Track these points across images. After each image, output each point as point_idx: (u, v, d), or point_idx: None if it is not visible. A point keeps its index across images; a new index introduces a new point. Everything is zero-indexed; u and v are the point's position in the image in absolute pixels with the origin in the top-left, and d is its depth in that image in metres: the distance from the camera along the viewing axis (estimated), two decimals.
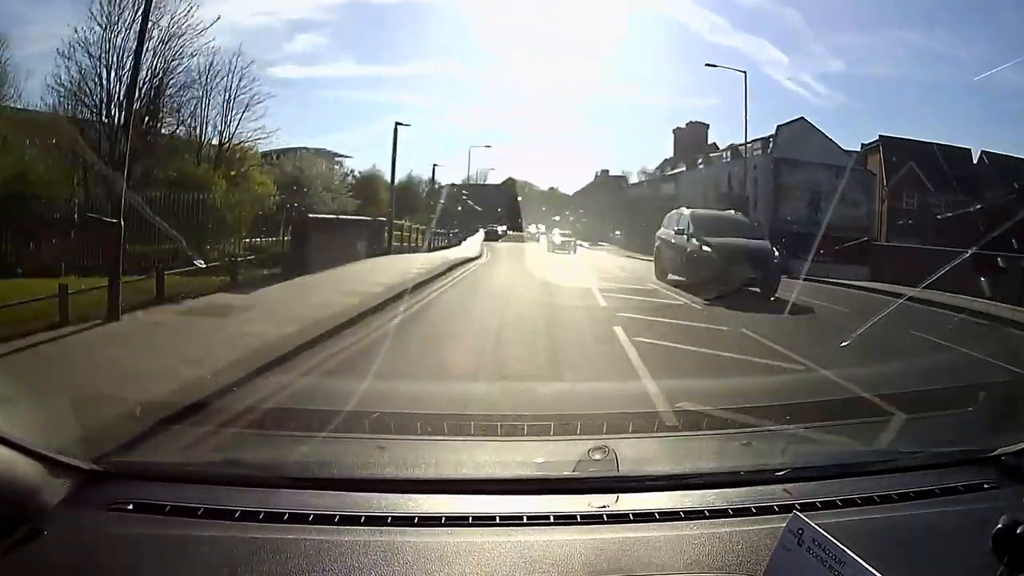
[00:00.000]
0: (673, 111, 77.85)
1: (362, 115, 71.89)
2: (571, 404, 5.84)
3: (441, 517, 2.20)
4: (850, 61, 59.14)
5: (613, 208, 60.63)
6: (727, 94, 77.99)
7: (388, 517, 2.18)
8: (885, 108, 51.81)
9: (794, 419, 4.58)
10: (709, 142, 52.03)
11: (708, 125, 53.83)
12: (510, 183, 77.09)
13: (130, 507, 2.19)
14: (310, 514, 2.16)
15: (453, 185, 63.65)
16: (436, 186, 57.06)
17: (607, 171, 71.20)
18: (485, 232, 60.52)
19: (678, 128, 54.90)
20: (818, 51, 60.41)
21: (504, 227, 69.07)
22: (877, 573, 1.53)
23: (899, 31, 57.75)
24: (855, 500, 2.34)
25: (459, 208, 60.18)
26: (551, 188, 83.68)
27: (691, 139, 52.89)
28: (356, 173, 51.53)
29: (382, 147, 58.49)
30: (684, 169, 50.16)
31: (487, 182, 78.11)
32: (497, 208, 73.04)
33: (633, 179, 67.22)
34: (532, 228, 65.10)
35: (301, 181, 35.87)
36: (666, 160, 55.82)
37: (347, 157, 51.06)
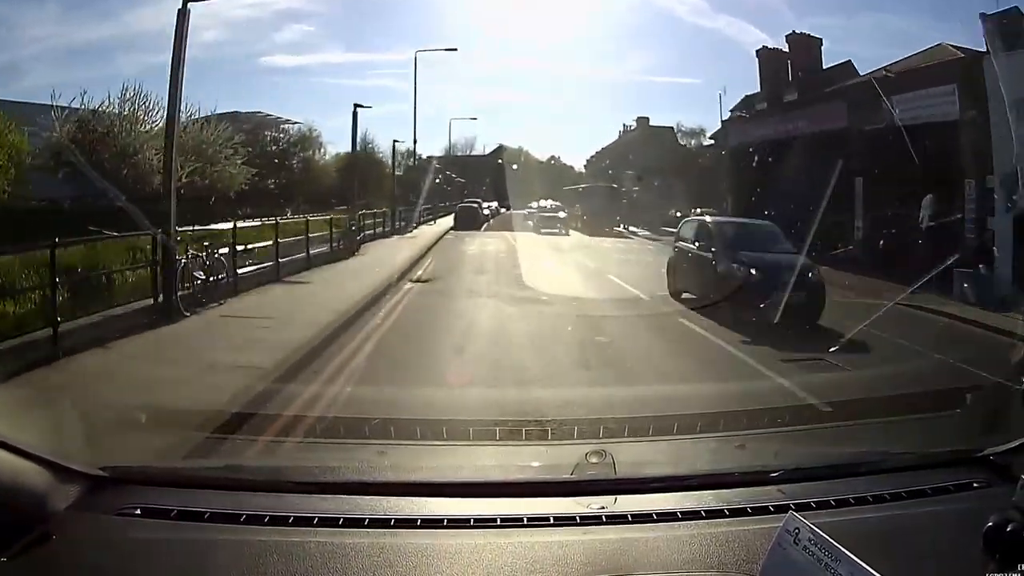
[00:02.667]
0: (665, 87, 78.24)
1: (352, 100, 71.97)
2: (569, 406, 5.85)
3: (443, 519, 2.24)
4: (832, 41, 59.79)
5: (669, 168, 40.45)
6: (708, 72, 74.18)
7: (391, 520, 2.22)
8: None
9: None
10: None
11: (821, 39, 32.56)
12: (501, 151, 66.23)
13: (137, 512, 2.22)
14: (314, 517, 2.19)
15: (430, 158, 52.78)
16: (412, 160, 45.35)
17: (646, 119, 53.62)
18: (458, 213, 41.31)
19: (764, 49, 34.30)
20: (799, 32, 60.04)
21: (494, 204, 53.17)
22: (873, 572, 1.57)
23: (878, 13, 57.71)
24: (848, 500, 2.38)
25: (437, 181, 47.80)
26: (552, 157, 73.44)
27: (789, 62, 32.36)
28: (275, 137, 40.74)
29: (371, 131, 53.44)
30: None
31: (474, 153, 66.29)
32: (486, 180, 60.43)
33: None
34: (535, 205, 44.28)
35: (112, 141, 23.54)
36: (750, 96, 35.90)
37: (293, 123, 42.96)
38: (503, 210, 54.18)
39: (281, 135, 41.38)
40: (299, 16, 65.92)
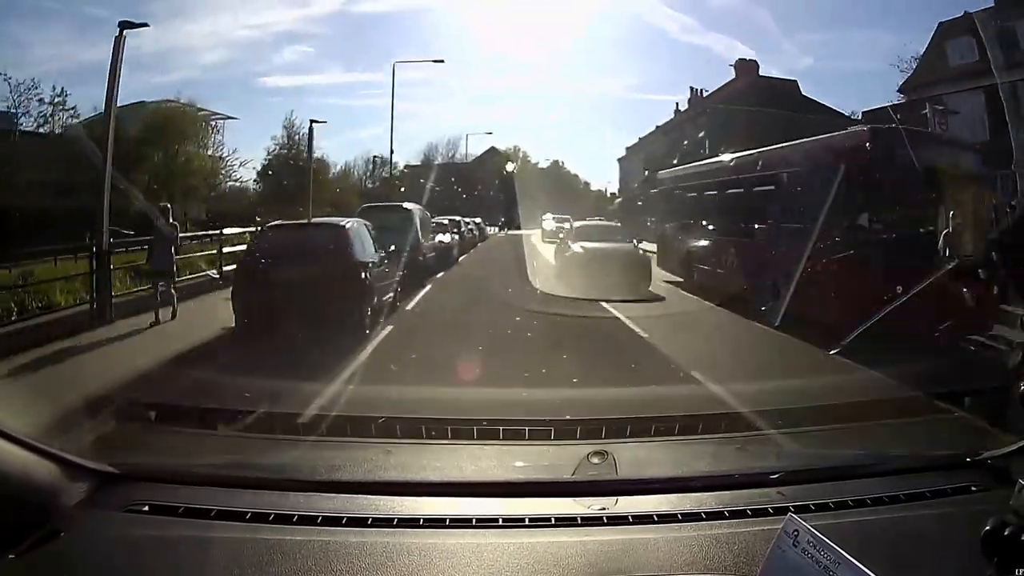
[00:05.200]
0: (653, 104, 76.71)
1: (350, 120, 71.30)
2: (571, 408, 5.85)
3: (446, 519, 2.27)
4: (818, 57, 59.61)
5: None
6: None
7: (394, 519, 2.24)
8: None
9: None
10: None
11: None
12: (494, 155, 54.91)
13: (146, 509, 2.25)
14: (319, 516, 2.22)
15: (408, 167, 45.85)
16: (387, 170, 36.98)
17: (754, 64, 37.00)
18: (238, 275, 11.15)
19: None
20: (787, 48, 59.20)
21: (474, 221, 34.66)
22: (871, 574, 1.58)
23: (865, 28, 56.44)
24: (847, 502, 2.40)
25: (402, 190, 37.50)
26: (555, 162, 62.56)
27: None
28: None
29: (370, 150, 49.45)
30: None
31: (458, 159, 54.04)
32: (474, 191, 48.40)
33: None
34: (550, 217, 33.20)
35: None
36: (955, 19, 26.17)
37: (229, 118, 34.99)
38: (493, 230, 40.66)
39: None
40: (298, 38, 66.33)
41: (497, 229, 42.56)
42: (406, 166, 49.14)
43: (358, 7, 62.94)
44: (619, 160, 56.64)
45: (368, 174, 41.93)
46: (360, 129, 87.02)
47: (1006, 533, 1.85)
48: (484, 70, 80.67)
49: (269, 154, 38.77)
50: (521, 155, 61.68)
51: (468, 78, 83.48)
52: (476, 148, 62.15)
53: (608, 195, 55.35)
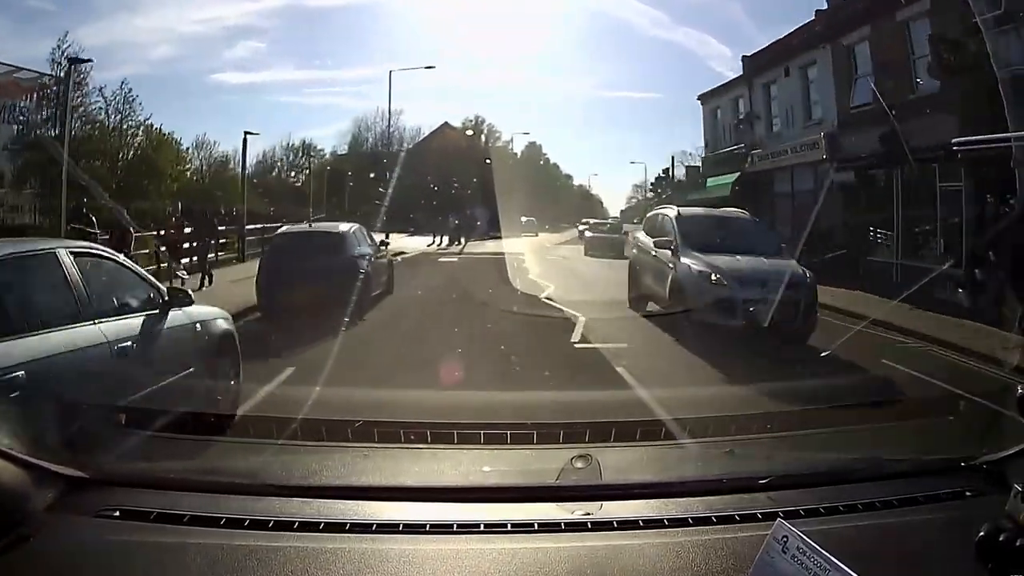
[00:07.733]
0: (626, 101, 76.15)
1: (302, 118, 70.12)
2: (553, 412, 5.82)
3: (426, 524, 2.21)
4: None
5: None
6: (669, 89, 67.17)
7: (373, 524, 2.19)
8: None
9: None
10: None
11: None
12: (447, 131, 43.40)
13: (116, 514, 2.19)
14: (295, 521, 2.16)
15: (336, 154, 36.58)
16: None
17: None
18: None
19: None
20: (762, 43, 57.60)
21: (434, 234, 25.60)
22: None
23: None
24: (838, 508, 2.35)
25: (294, 184, 31.02)
26: (532, 144, 51.46)
27: None
28: None
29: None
30: None
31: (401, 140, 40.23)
32: (424, 184, 35.48)
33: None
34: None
35: None
36: None
37: (42, 75, 21.44)
38: (434, 241, 29.77)
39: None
40: (250, 33, 64.86)
41: (436, 242, 29.02)
42: (333, 154, 39.47)
43: (311, 1, 62.47)
44: (701, 99, 33.90)
45: (289, 165, 33.15)
46: (315, 128, 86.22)
47: (1001, 539, 1.82)
48: (444, 67, 79.67)
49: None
50: (486, 129, 46.83)
51: (428, 76, 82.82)
52: (423, 120, 54.80)
53: (648, 187, 40.53)
